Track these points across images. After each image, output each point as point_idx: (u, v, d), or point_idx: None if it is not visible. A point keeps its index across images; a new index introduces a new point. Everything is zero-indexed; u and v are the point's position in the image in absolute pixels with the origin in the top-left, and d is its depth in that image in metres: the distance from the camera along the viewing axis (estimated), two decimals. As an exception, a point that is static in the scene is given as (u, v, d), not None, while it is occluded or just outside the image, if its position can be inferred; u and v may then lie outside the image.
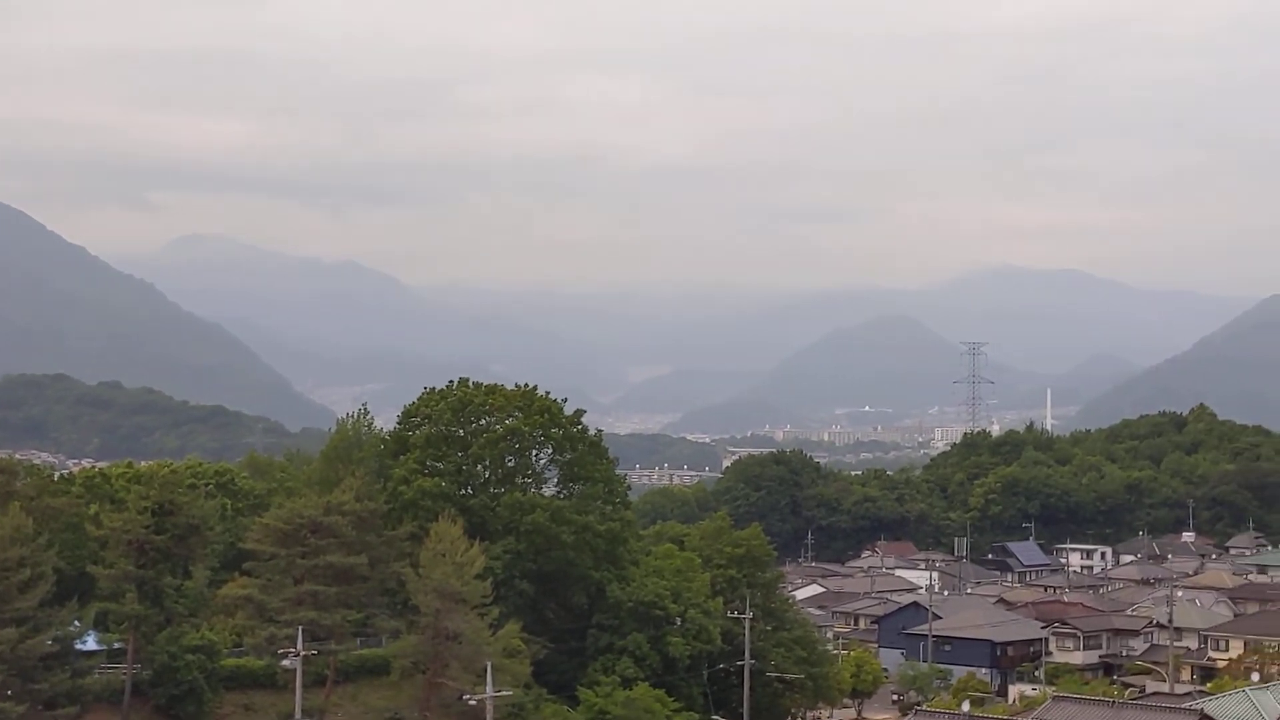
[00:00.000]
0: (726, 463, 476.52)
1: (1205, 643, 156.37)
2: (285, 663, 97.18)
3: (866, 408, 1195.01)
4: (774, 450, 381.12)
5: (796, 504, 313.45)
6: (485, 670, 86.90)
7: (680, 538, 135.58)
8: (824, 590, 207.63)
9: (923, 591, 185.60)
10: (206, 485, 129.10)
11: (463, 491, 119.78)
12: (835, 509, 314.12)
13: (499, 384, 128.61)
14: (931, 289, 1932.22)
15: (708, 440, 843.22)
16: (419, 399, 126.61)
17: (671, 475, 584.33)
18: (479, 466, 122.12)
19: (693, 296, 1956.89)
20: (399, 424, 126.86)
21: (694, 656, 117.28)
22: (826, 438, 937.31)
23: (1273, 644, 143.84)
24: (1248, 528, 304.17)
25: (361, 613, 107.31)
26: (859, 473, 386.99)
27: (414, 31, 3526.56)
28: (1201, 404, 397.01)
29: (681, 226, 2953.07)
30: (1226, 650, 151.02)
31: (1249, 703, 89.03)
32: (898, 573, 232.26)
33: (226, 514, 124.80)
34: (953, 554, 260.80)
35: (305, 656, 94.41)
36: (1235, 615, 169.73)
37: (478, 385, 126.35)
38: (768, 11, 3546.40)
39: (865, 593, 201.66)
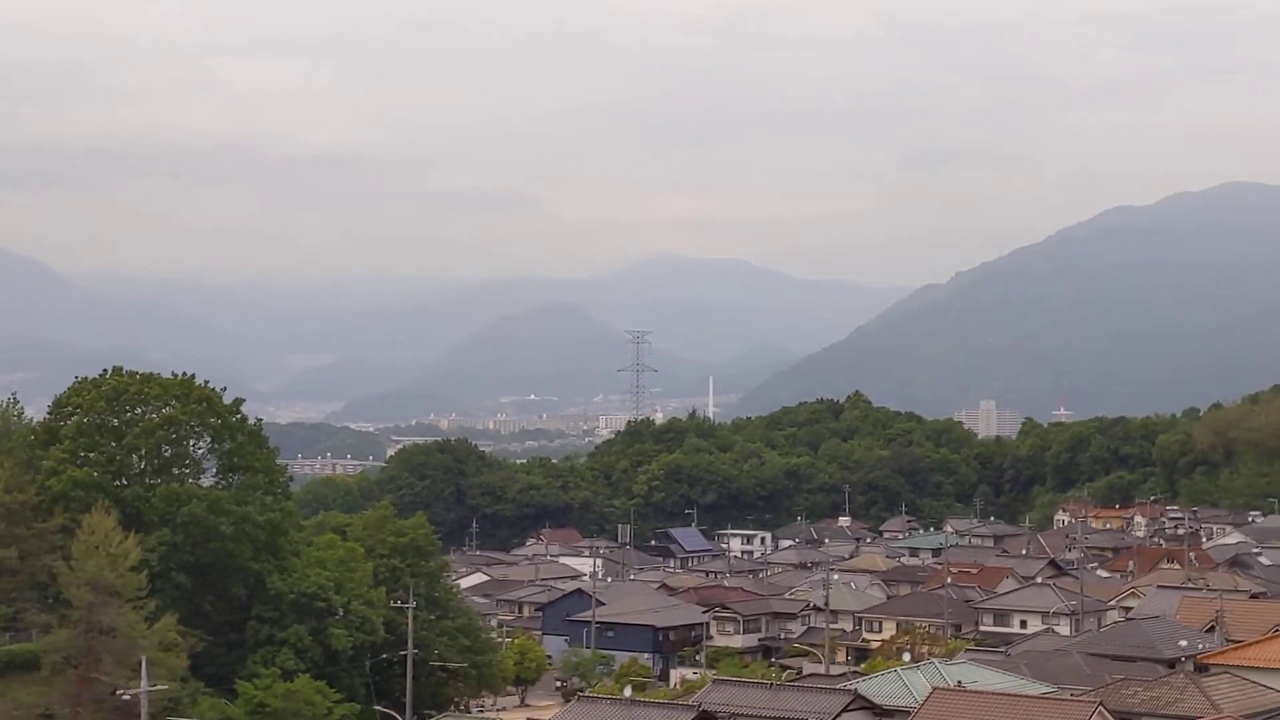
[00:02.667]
0: (390, 452, 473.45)
1: (860, 624, 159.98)
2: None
3: (532, 396, 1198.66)
4: (439, 439, 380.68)
5: (461, 493, 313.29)
6: (140, 664, 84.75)
7: (343, 528, 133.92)
8: (488, 578, 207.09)
9: (586, 578, 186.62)
10: None
11: (117, 482, 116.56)
12: (500, 497, 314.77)
13: (155, 373, 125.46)
14: (596, 278, 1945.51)
15: (372, 429, 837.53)
16: (70, 388, 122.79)
17: (334, 465, 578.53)
18: (134, 457, 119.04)
19: (358, 284, 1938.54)
20: (50, 414, 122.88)
21: (356, 647, 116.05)
22: (492, 426, 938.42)
23: (924, 624, 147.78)
24: (900, 511, 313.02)
25: (11, 607, 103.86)
26: (524, 461, 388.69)
27: (54, 12, 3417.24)
28: (857, 391, 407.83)
29: (344, 213, 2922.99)
30: (880, 631, 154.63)
31: (900, 682, 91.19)
32: (562, 560, 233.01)
33: None
34: (616, 540, 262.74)
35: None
36: (888, 597, 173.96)
37: (132, 374, 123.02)
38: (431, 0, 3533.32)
39: (529, 580, 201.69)
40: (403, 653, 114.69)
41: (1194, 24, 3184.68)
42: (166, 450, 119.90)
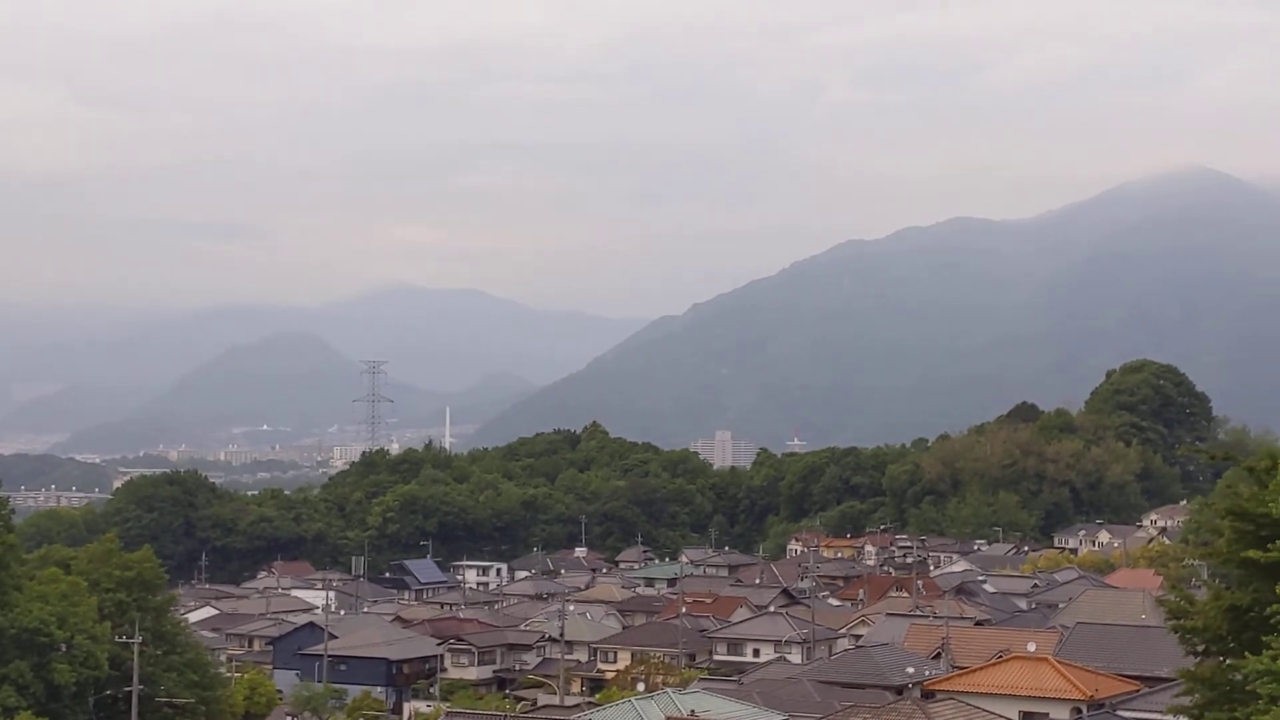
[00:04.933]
0: (118, 484, 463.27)
1: (595, 655, 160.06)
2: None
3: (264, 427, 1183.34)
4: (168, 471, 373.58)
5: (191, 525, 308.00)
6: None
7: (67, 561, 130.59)
8: (218, 612, 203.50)
9: (319, 611, 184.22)
10: None
11: None
12: (231, 530, 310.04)
13: None
14: (330, 308, 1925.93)
15: (98, 461, 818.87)
16: None
17: (59, 497, 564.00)
18: None
19: (81, 313, 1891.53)
20: None
21: (80, 683, 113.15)
22: (223, 457, 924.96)
23: (658, 654, 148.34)
24: (637, 542, 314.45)
25: None
26: (256, 492, 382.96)
27: None
28: (594, 422, 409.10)
29: (65, 241, 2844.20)
30: (615, 662, 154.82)
31: (634, 712, 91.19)
32: (294, 593, 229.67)
33: None
34: (350, 573, 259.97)
35: None
36: (624, 627, 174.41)
37: None
38: (158, 22, 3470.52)
39: (260, 614, 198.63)
40: (128, 688, 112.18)
41: (923, 62, 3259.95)
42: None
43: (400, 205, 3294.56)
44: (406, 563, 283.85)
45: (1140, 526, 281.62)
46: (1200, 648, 59.32)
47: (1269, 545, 50.97)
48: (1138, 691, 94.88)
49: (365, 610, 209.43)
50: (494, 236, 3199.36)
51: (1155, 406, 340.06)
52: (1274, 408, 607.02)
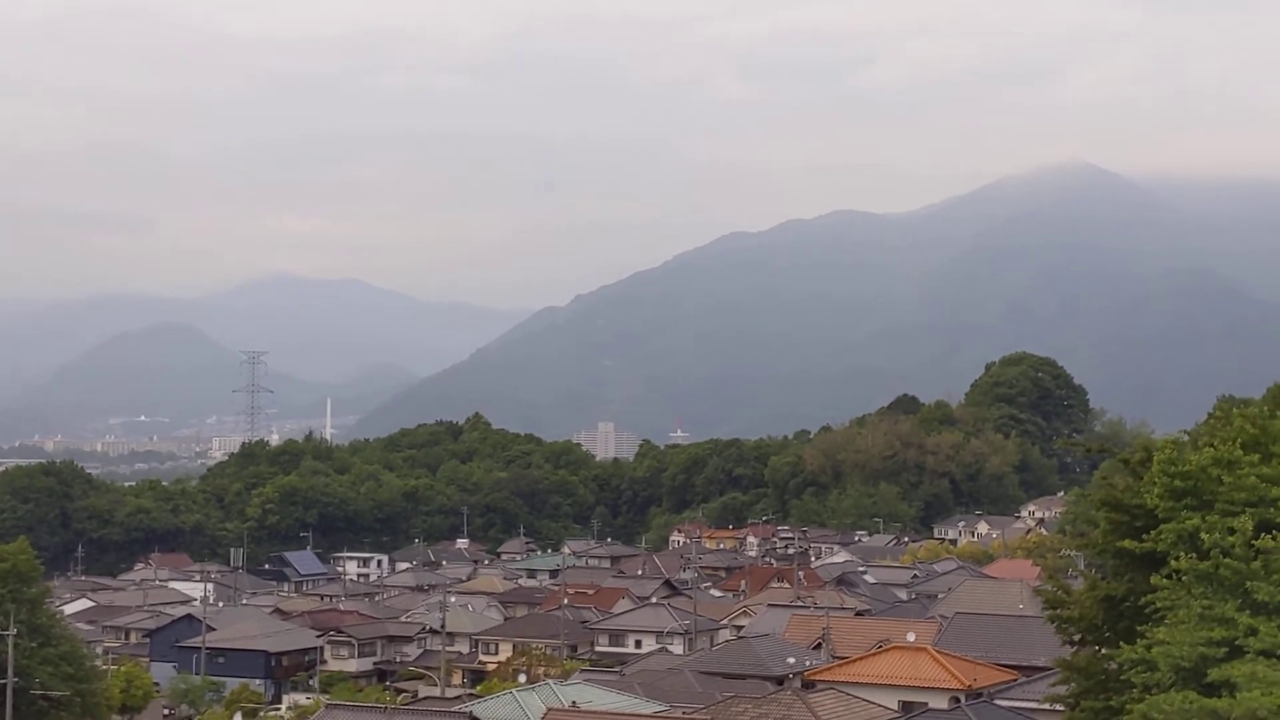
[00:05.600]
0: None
1: (476, 646, 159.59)
2: None
3: (142, 417, 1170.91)
4: (43, 461, 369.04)
5: (67, 516, 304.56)
6: None
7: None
8: (94, 604, 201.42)
9: (197, 604, 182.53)
10: None
11: None
12: (108, 521, 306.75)
13: None
14: (209, 298, 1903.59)
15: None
16: None
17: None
18: None
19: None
20: None
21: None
22: (100, 448, 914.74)
23: (540, 646, 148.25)
24: (519, 533, 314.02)
25: None
26: (133, 484, 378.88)
27: None
28: (477, 413, 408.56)
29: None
30: (497, 653, 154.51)
31: (515, 703, 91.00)
32: (172, 585, 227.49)
33: None
34: (229, 565, 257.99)
35: None
36: (505, 619, 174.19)
37: None
38: (42, 8, 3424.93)
39: (138, 606, 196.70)
40: (2, 681, 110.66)
41: (806, 57, 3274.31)
42: None
43: (284, 196, 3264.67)
44: (286, 554, 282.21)
45: (1018, 517, 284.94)
46: (1076, 637, 59.97)
47: (1143, 536, 51.58)
48: (1015, 681, 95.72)
49: (244, 602, 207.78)
50: (380, 228, 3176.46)
51: (1034, 399, 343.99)
52: (1149, 401, 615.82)
